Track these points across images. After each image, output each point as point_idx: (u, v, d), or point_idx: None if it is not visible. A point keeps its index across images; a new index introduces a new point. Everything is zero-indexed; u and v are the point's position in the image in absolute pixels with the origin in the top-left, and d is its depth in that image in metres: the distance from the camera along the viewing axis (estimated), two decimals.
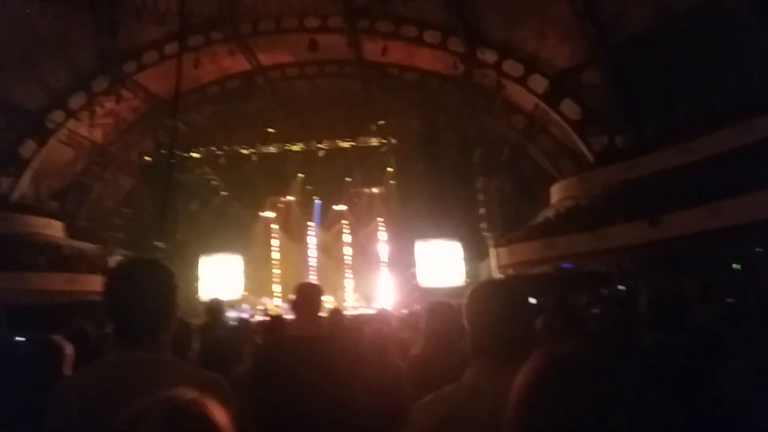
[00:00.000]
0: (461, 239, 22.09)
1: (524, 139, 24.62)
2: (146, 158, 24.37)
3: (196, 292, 21.92)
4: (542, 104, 22.41)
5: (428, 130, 23.85)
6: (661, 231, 16.65)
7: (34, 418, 2.18)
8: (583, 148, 21.85)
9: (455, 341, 2.83)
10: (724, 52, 17.32)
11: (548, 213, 22.79)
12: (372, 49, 23.19)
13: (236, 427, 1.14)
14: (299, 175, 24.63)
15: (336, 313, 5.95)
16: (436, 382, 1.87)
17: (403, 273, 22.18)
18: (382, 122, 22.73)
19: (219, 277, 23.03)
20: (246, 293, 23.08)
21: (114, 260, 22.23)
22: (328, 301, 14.97)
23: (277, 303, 21.78)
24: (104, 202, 26.51)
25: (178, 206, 22.22)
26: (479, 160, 23.21)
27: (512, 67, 22.22)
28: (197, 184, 24.79)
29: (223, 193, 25.76)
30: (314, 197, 25.15)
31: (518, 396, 1.08)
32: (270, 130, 23.65)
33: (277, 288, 24.08)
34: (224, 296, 14.30)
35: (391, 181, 23.79)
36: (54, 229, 23.25)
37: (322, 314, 4.07)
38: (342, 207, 25.23)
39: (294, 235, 25.57)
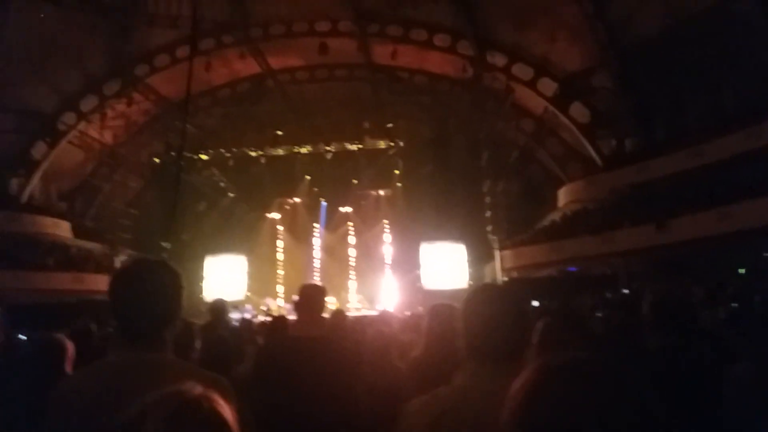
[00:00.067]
0: (466, 242, 22.04)
1: (533, 142, 24.59)
2: (155, 160, 24.52)
3: (201, 292, 22.00)
4: (551, 107, 22.37)
5: (437, 133, 23.83)
6: (668, 235, 16.56)
7: (35, 416, 2.18)
8: (592, 152, 21.77)
9: (456, 344, 2.81)
10: (735, 56, 17.22)
11: (555, 216, 22.72)
12: (382, 53, 23.23)
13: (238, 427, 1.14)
14: (306, 177, 24.68)
15: (338, 314, 5.94)
16: (435, 384, 1.86)
17: (408, 275, 22.16)
18: (390, 125, 22.75)
19: (223, 278, 23.09)
20: (249, 294, 23.14)
21: (120, 260, 22.37)
22: (331, 302, 14.99)
23: (280, 304, 21.83)
24: (112, 203, 26.69)
25: (185, 207, 22.30)
26: (487, 163, 23.17)
27: (522, 71, 22.22)
28: (205, 185, 24.91)
29: (230, 194, 25.86)
30: (321, 199, 25.20)
31: (515, 405, 1.07)
32: (278, 132, 23.74)
33: (280, 289, 24.14)
34: (228, 297, 14.32)
35: (398, 184, 23.78)
36: (62, 229, 23.44)
37: (325, 315, 4.07)
38: (348, 209, 25.26)
39: (299, 236, 25.61)
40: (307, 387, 3.11)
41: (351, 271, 24.58)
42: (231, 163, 24.09)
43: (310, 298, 3.55)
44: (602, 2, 19.48)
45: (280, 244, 25.68)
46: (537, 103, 23.09)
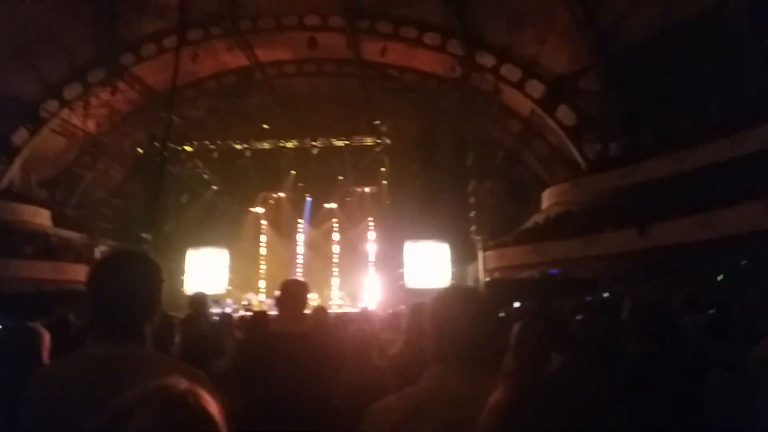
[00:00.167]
0: (450, 241, 22.12)
1: (519, 143, 24.70)
2: (139, 150, 24.28)
3: (182, 285, 21.85)
4: (538, 109, 22.47)
5: (424, 132, 23.88)
6: (650, 239, 16.75)
7: (9, 405, 2.14)
8: (577, 155, 21.93)
9: (425, 345, 2.82)
10: (722, 63, 17.40)
11: (538, 218, 22.86)
12: (371, 49, 23.19)
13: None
14: (292, 172, 24.59)
15: (320, 310, 5.92)
16: (414, 381, 1.86)
17: (391, 273, 22.20)
18: (377, 122, 22.74)
19: (205, 271, 22.96)
20: (231, 288, 23.04)
21: (100, 250, 22.14)
22: (313, 299, 14.97)
23: (261, 299, 21.75)
24: (94, 193, 26.41)
25: (168, 199, 22.15)
26: (473, 163, 23.25)
27: (510, 72, 22.30)
28: (188, 177, 24.72)
29: (213, 187, 25.69)
30: (306, 194, 25.13)
31: (488, 426, 1.06)
32: (265, 126, 23.61)
33: (262, 284, 24.05)
34: (209, 290, 14.26)
35: (384, 181, 23.80)
36: (42, 217, 23.12)
37: (307, 311, 4.06)
38: (333, 205, 25.25)
39: (283, 231, 25.55)
40: (287, 383, 3.10)
41: (334, 268, 24.57)
42: (215, 155, 23.93)
43: (292, 294, 3.53)
44: (592, 6, 19.60)
45: (263, 238, 25.60)
46: (524, 105, 23.19)
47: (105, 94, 24.22)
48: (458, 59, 22.45)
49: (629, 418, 2.00)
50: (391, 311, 8.34)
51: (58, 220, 23.80)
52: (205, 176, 25.12)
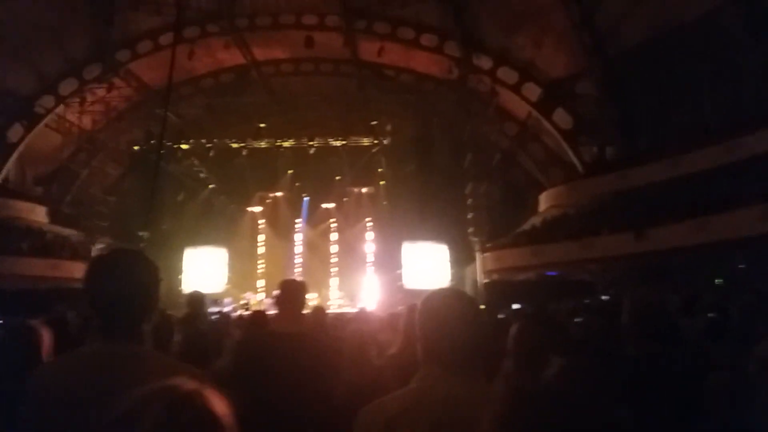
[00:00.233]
0: (448, 242, 22.13)
1: (516, 146, 24.75)
2: (135, 147, 24.20)
3: (179, 284, 21.78)
4: (535, 112, 22.52)
5: (421, 133, 23.89)
6: (647, 243, 16.80)
7: (8, 403, 2.13)
8: (573, 158, 21.98)
9: (416, 347, 2.82)
10: (719, 69, 17.47)
11: (536, 221, 22.90)
12: (368, 50, 23.20)
13: None
14: (289, 171, 24.56)
15: (319, 310, 5.92)
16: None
17: (389, 273, 22.19)
18: (374, 123, 22.73)
19: (203, 270, 22.88)
20: (229, 287, 22.97)
21: (97, 248, 22.06)
22: (311, 299, 14.94)
23: (260, 298, 21.70)
24: (90, 190, 26.30)
25: (164, 197, 22.07)
26: (470, 165, 23.27)
27: (507, 74, 22.34)
28: (185, 175, 24.66)
29: (210, 185, 25.62)
30: (303, 194, 25.09)
31: (489, 429, 1.06)
32: (261, 125, 23.57)
33: (261, 283, 23.99)
34: (207, 289, 14.21)
35: (381, 182, 23.80)
36: (37, 214, 23.02)
37: (306, 311, 4.05)
38: (330, 205, 25.22)
39: (281, 231, 25.49)
40: (286, 383, 3.09)
41: (332, 268, 24.54)
42: (212, 153, 23.87)
43: (290, 294, 3.54)
44: (589, 10, 19.65)
45: (261, 237, 25.53)
46: (521, 108, 23.24)
47: (101, 91, 24.13)
48: (455, 61, 22.49)
49: (629, 420, 2.01)
50: (389, 312, 8.34)
51: (54, 217, 23.70)
52: (202, 175, 25.06)
